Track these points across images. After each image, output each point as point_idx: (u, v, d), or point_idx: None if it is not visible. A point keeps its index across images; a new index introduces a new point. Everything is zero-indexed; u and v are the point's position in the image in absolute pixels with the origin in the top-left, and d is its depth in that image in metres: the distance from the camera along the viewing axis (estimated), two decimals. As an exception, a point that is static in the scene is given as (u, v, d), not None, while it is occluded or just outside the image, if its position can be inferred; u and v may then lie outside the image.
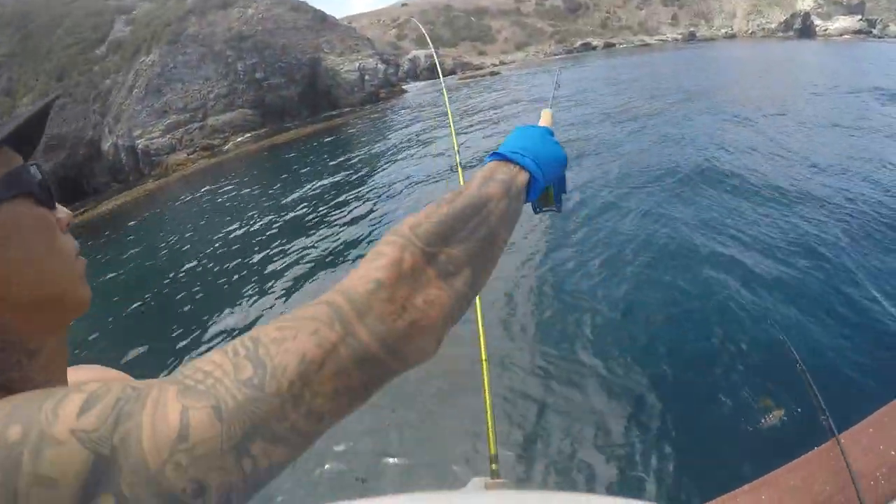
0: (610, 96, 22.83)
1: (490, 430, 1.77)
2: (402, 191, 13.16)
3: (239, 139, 32.19)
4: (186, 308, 9.20)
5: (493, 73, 41.41)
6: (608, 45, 57.26)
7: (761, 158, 10.56)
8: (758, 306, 5.54)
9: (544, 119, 1.04)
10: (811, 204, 7.86)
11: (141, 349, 7.89)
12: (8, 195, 0.56)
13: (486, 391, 1.91)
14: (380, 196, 13.28)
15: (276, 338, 0.49)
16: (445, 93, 2.99)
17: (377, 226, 10.92)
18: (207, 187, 21.74)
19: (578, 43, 56.53)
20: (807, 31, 59.43)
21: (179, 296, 9.85)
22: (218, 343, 7.36)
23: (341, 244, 10.31)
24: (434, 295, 0.57)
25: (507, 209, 0.71)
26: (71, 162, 34.37)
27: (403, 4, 63.88)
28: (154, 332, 8.70)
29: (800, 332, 5.11)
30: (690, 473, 3.77)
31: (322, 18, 39.58)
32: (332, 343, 0.50)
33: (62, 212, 0.66)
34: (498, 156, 0.80)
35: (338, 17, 43.52)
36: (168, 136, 33.04)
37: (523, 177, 0.78)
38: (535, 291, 6.56)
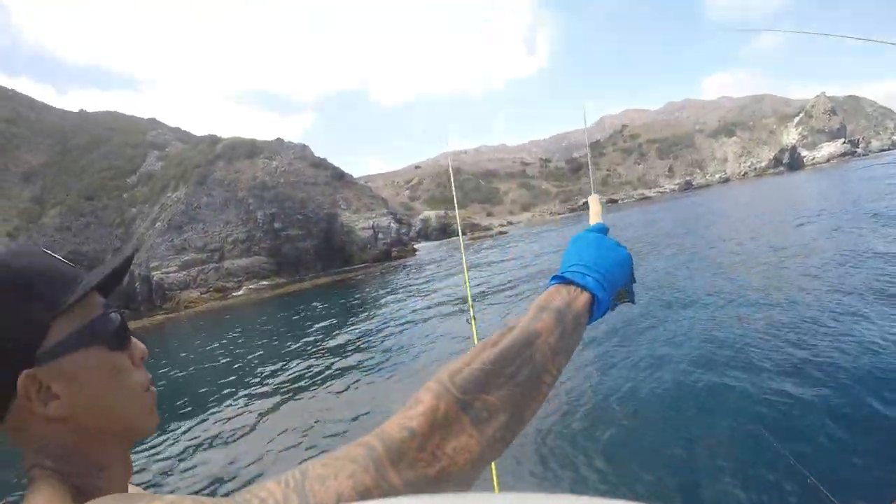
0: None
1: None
2: (413, 344, 13.77)
3: (252, 285, 33.58)
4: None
5: (500, 233, 43.91)
6: (611, 202, 60.48)
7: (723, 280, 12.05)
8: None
9: (593, 209, 0.97)
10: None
11: None
12: (85, 344, 0.64)
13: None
14: (387, 351, 13.67)
15: (321, 475, 0.52)
16: (463, 250, 3.53)
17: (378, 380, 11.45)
18: (215, 330, 22.55)
19: (582, 201, 59.97)
20: (795, 164, 62.66)
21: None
22: None
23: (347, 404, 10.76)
24: (464, 442, 0.59)
25: (559, 342, 0.69)
26: (86, 283, 35.40)
27: (417, 167, 68.11)
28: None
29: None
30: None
31: (340, 176, 42.24)
32: (366, 486, 0.53)
33: (137, 347, 0.72)
34: (558, 278, 0.77)
35: (355, 175, 46.39)
36: (184, 272, 34.46)
37: (583, 299, 0.74)
38: None
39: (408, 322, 17.63)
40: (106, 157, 43.61)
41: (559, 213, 56.55)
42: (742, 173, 70.09)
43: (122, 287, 27.88)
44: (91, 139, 45.91)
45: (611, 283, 0.78)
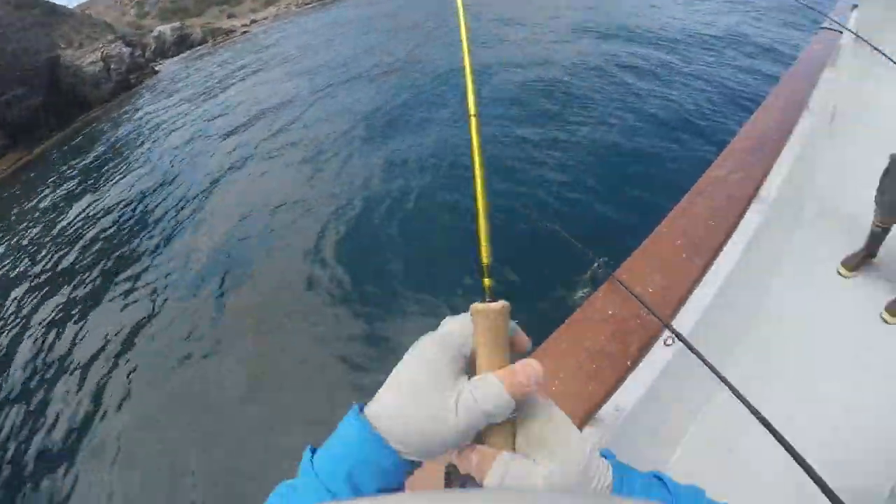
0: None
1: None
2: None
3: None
4: None
5: (244, 33, 42.52)
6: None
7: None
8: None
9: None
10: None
11: None
12: None
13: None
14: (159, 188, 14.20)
15: None
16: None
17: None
18: None
19: (344, 6, 56.67)
20: None
21: None
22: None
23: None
24: None
25: None
26: None
27: None
28: None
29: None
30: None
31: (52, 11, 38.26)
32: None
33: None
34: None
35: (71, 6, 41.84)
36: None
37: None
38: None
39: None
40: None
41: (306, 4, 53.90)
42: None
43: None
44: None
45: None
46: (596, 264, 2.45)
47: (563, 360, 1.95)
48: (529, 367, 0.58)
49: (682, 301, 2.19)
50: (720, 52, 11.82)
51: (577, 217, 7.04)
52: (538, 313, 5.31)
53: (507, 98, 11.90)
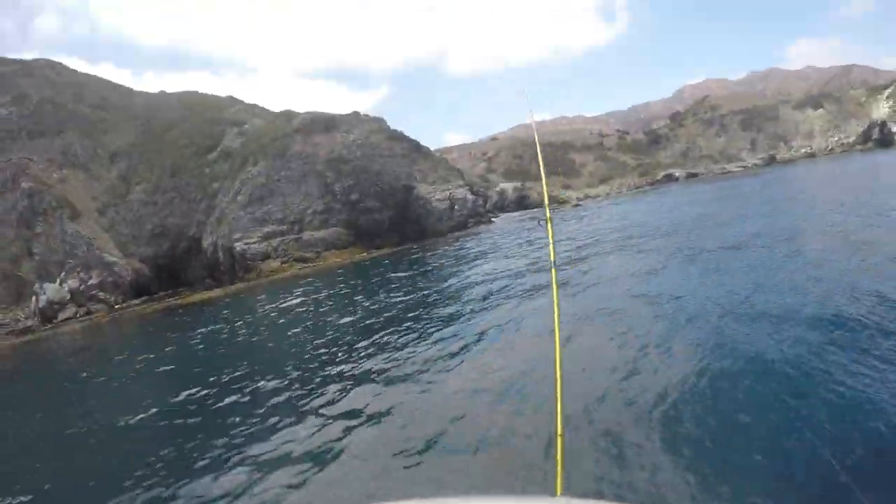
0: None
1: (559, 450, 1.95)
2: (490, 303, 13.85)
3: (330, 256, 33.89)
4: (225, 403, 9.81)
5: (576, 206, 42.90)
6: (690, 176, 57.79)
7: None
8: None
9: None
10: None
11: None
12: None
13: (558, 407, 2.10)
14: (467, 311, 13.74)
15: None
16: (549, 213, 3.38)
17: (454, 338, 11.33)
18: (291, 294, 23.31)
19: (661, 174, 57.48)
20: (886, 140, 58.51)
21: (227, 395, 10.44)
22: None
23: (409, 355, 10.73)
24: None
25: None
26: (172, 253, 36.75)
27: (493, 139, 67.19)
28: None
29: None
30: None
31: (416, 148, 41.92)
32: None
33: None
34: None
35: (431, 148, 46.02)
36: (265, 243, 35.09)
37: None
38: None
39: (483, 283, 17.46)
40: (186, 136, 44.69)
41: (637, 187, 54.40)
42: (829, 149, 65.71)
43: (207, 258, 29.36)
44: (172, 118, 47.15)
45: None
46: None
47: None
48: None
49: None
50: None
51: None
52: None
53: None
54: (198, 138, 43.82)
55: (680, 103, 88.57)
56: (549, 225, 3.22)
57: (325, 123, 40.74)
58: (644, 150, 63.90)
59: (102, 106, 45.21)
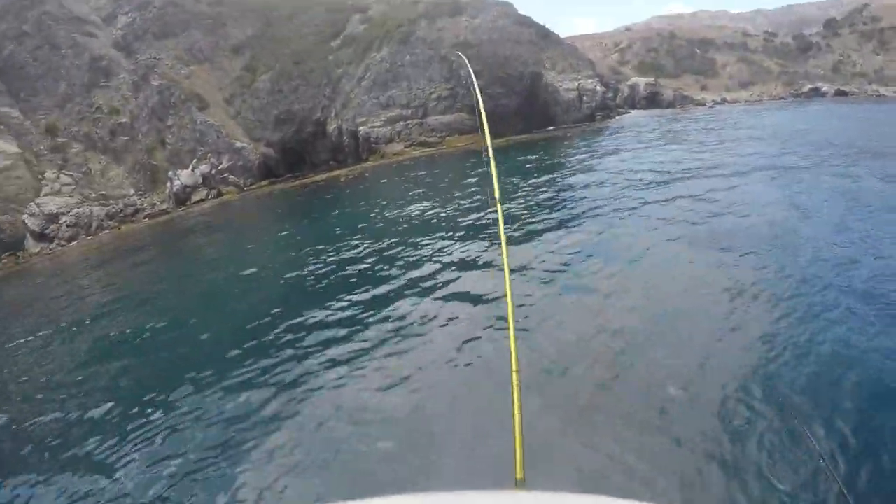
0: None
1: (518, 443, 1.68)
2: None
3: (454, 141, 33.40)
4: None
5: (711, 107, 39.60)
6: (839, 93, 51.20)
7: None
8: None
9: None
10: None
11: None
12: None
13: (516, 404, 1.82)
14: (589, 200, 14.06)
15: None
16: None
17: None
18: (416, 173, 23.71)
19: (807, 87, 51.38)
20: None
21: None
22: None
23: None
24: None
25: None
26: (298, 137, 37.57)
27: (627, 29, 62.69)
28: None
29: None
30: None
31: (545, 35, 39.85)
32: None
33: None
34: None
35: (561, 35, 43.54)
36: (389, 127, 35.11)
37: None
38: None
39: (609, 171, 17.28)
40: (308, 25, 44.61)
41: (780, 97, 49.07)
42: None
43: (332, 141, 29.81)
44: (293, 9, 47.09)
45: None
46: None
47: None
48: None
49: None
50: None
51: None
52: None
53: None
54: (321, 26, 43.66)
55: (837, 9, 78.13)
56: (492, 163, 3.53)
57: (450, 7, 39.32)
58: (792, 56, 56.90)
59: (220, 2, 45.83)
